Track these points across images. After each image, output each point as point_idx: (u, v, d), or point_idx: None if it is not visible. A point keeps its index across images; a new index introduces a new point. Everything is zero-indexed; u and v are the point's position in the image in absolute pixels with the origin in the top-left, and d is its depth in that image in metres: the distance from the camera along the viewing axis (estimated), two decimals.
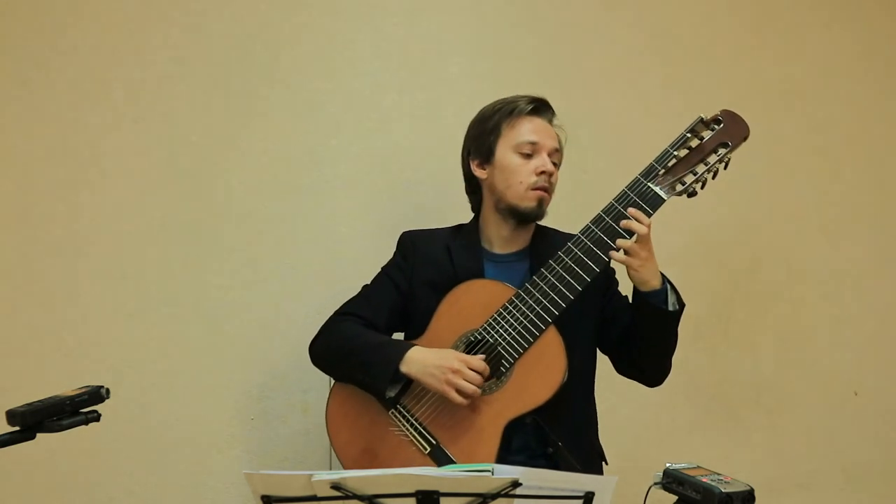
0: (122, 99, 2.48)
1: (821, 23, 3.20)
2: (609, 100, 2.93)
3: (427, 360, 2.11)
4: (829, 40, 3.21)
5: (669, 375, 2.29)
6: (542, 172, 2.20)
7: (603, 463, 2.30)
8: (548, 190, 2.22)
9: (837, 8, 3.23)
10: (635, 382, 2.33)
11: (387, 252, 2.36)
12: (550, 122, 2.27)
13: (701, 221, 3.04)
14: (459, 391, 2.07)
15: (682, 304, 2.17)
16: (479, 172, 2.27)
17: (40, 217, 2.43)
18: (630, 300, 2.22)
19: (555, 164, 2.24)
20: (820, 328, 3.23)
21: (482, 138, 2.26)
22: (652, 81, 2.96)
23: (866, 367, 3.29)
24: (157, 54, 2.50)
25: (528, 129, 2.23)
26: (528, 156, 2.21)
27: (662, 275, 2.15)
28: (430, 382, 2.10)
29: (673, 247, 2.92)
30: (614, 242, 2.09)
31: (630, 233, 2.09)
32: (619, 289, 2.33)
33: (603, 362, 2.34)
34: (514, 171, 2.21)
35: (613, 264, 2.25)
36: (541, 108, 2.26)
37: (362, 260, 2.53)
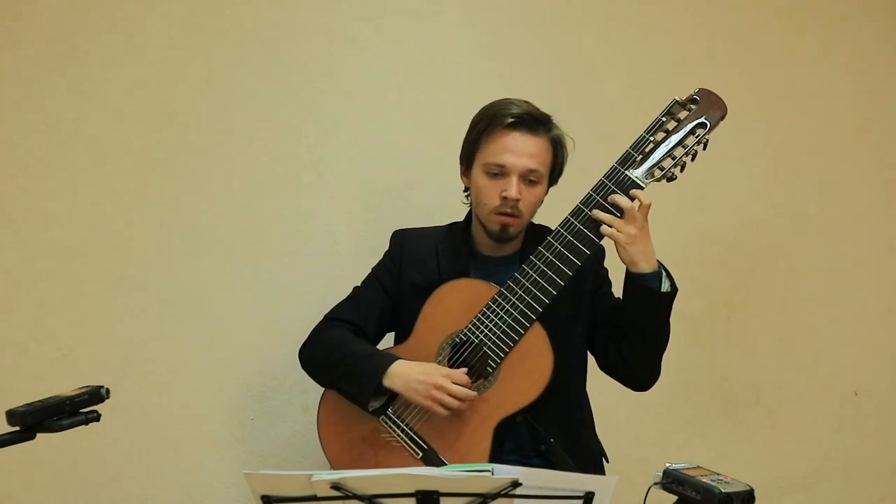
0: (122, 99, 2.48)
1: (822, 21, 3.20)
2: (609, 99, 2.93)
3: (410, 375, 2.08)
4: (830, 39, 3.21)
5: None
6: (506, 198, 2.12)
7: (604, 461, 2.28)
8: (513, 215, 2.13)
9: (838, 7, 3.23)
10: None
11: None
12: (537, 135, 2.13)
13: (701, 221, 3.04)
14: (444, 406, 2.06)
15: (675, 289, 2.09)
16: (464, 180, 2.25)
17: (40, 217, 2.43)
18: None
19: (532, 181, 2.14)
20: (820, 328, 3.23)
21: (466, 145, 2.20)
22: (652, 81, 2.96)
23: (866, 367, 3.29)
24: (157, 54, 2.50)
25: (499, 149, 2.12)
26: (497, 175, 2.13)
27: (660, 262, 2.09)
28: (413, 398, 2.08)
29: (673, 247, 2.92)
30: (595, 233, 2.05)
31: (619, 208, 2.04)
32: (613, 290, 2.28)
33: None
34: (481, 191, 2.16)
35: (607, 263, 2.25)
36: (522, 122, 2.12)
37: (362, 260, 2.52)
